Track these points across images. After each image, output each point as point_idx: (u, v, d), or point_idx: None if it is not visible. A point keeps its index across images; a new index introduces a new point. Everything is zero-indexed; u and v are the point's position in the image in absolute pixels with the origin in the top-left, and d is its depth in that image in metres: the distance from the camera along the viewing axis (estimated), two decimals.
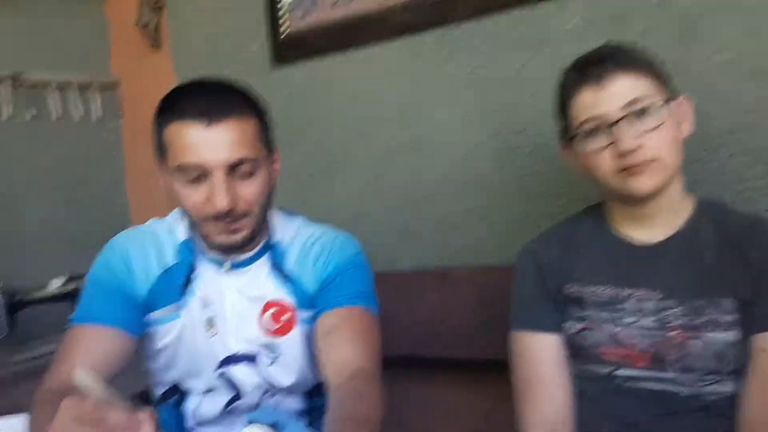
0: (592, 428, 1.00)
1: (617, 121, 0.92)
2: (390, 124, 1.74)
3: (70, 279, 1.99)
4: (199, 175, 0.93)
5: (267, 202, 1.02)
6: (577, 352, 1.02)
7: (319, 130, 1.85)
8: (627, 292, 0.98)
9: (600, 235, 1.05)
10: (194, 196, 0.95)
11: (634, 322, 0.97)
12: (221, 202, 0.92)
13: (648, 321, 0.96)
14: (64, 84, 2.23)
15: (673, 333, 0.94)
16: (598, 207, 1.09)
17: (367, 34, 1.73)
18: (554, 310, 1.05)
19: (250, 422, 0.60)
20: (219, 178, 0.92)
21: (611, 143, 0.93)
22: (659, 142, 0.92)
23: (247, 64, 1.96)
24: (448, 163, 1.66)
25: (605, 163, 0.95)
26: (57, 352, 1.01)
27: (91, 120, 2.32)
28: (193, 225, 1.02)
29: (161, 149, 0.98)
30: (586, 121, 0.96)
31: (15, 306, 1.86)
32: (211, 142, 0.91)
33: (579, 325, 1.01)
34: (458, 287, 1.51)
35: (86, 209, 2.32)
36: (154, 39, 2.22)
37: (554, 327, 1.04)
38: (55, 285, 1.97)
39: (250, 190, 0.96)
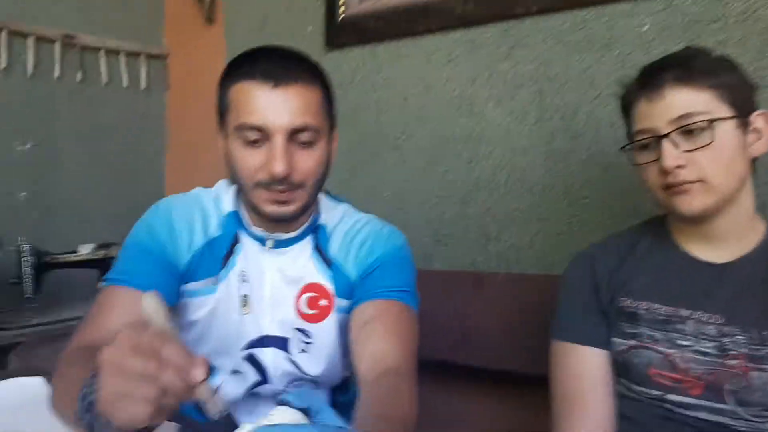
0: None
1: (663, 137, 0.87)
2: (440, 118, 1.69)
3: (100, 246, 1.98)
4: (259, 137, 0.91)
5: (321, 179, 0.98)
6: (624, 370, 0.94)
7: (365, 120, 1.81)
8: (686, 312, 0.91)
9: (662, 250, 0.98)
10: (251, 159, 0.92)
11: (691, 345, 0.89)
12: (279, 167, 0.89)
13: (706, 346, 0.88)
14: (114, 50, 2.24)
15: (734, 362, 0.86)
16: (661, 220, 1.02)
17: (426, 23, 1.68)
18: (603, 324, 0.98)
19: (281, 404, 0.55)
20: (279, 142, 0.89)
21: (658, 158, 0.88)
22: (708, 162, 0.86)
23: (299, 45, 1.92)
24: (496, 163, 1.60)
25: (652, 178, 0.91)
26: (89, 312, 0.97)
27: (138, 89, 2.32)
28: (242, 194, 0.99)
29: (224, 109, 0.96)
30: (639, 132, 0.92)
31: (43, 267, 1.86)
32: (275, 104, 0.89)
33: (629, 342, 0.94)
34: (494, 294, 1.45)
35: (123, 177, 2.32)
36: (209, 14, 2.22)
37: (602, 341, 0.97)
38: (85, 250, 1.96)
39: (307, 161, 0.93)
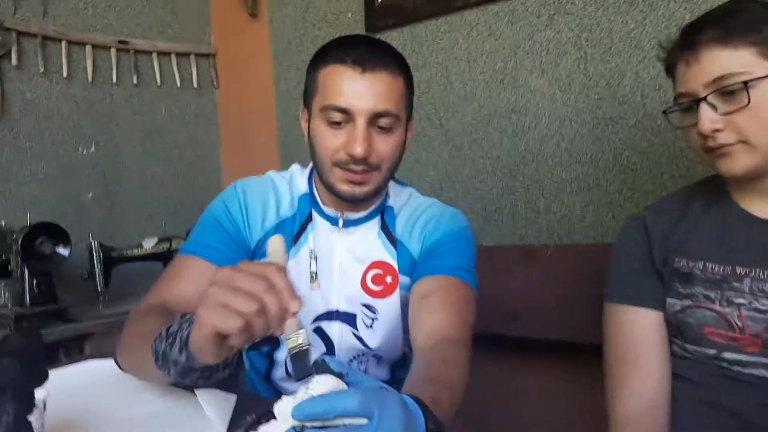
0: (691, 414, 0.90)
1: (700, 100, 0.84)
2: (483, 92, 1.68)
3: (162, 240, 2.07)
4: (342, 119, 0.95)
5: (395, 164, 1.02)
6: (679, 331, 0.92)
7: None
8: (743, 270, 0.88)
9: (718, 208, 0.95)
10: (332, 138, 0.96)
11: (748, 304, 0.86)
12: (359, 148, 0.93)
13: (764, 303, 0.85)
14: (165, 52, 2.32)
15: None
16: (717, 179, 0.98)
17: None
18: (658, 285, 0.96)
19: (319, 367, 0.57)
20: (361, 124, 0.94)
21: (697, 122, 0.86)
22: (747, 123, 0.82)
23: (341, 31, 1.96)
24: (542, 134, 1.58)
25: (694, 140, 0.89)
26: (162, 275, 1.04)
27: (190, 87, 2.41)
28: (319, 174, 1.03)
29: (311, 90, 1.01)
30: (679, 96, 0.89)
31: (111, 262, 1.96)
32: (361, 88, 0.94)
33: (684, 303, 0.92)
34: (544, 266, 1.43)
35: (181, 173, 2.42)
36: (252, 9, 2.27)
37: (657, 302, 0.95)
38: (149, 245, 2.05)
39: (385, 145, 0.97)
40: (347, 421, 0.51)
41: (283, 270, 0.65)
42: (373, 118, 0.95)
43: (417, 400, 0.62)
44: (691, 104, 0.88)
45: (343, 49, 0.96)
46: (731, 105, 0.83)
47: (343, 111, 0.94)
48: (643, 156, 1.42)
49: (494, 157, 1.67)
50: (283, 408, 0.53)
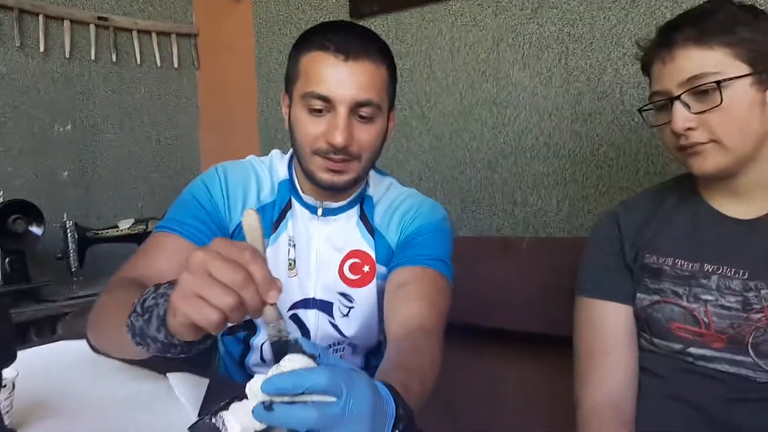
0: (657, 407, 0.93)
1: (674, 99, 0.86)
2: (465, 83, 1.69)
3: (138, 221, 2.05)
4: (323, 107, 0.94)
5: (376, 154, 1.02)
6: (647, 325, 0.94)
7: None
8: (711, 267, 0.90)
9: (688, 206, 0.97)
10: (313, 127, 0.95)
11: (715, 300, 0.88)
12: (339, 137, 0.92)
13: (730, 301, 0.87)
14: (145, 30, 2.28)
15: (758, 315, 0.85)
16: (688, 177, 1.00)
17: None
18: (628, 280, 0.97)
19: (293, 347, 0.57)
20: (342, 113, 0.93)
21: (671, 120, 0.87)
22: (719, 123, 0.84)
23: (325, 16, 1.94)
24: (522, 127, 1.59)
25: (668, 138, 0.91)
26: (137, 250, 1.01)
27: (171, 68, 2.37)
28: (299, 161, 1.02)
29: (292, 77, 1.00)
30: (654, 94, 0.91)
31: (86, 242, 1.94)
32: (343, 76, 0.93)
33: (653, 298, 0.93)
34: (522, 258, 1.45)
35: (159, 154, 2.39)
36: None
37: (626, 297, 0.97)
38: (125, 225, 2.03)
39: (366, 134, 0.96)
40: (316, 397, 0.52)
41: (260, 255, 0.61)
42: (355, 107, 0.94)
43: (388, 385, 0.63)
44: (665, 103, 0.89)
45: (327, 36, 0.95)
46: (704, 104, 0.85)
47: (325, 99, 0.93)
48: (620, 152, 1.44)
49: (474, 149, 1.68)
50: (254, 385, 0.53)
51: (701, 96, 0.85)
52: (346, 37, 0.94)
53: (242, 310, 0.59)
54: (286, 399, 0.52)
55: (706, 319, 0.88)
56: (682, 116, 0.85)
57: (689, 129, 0.86)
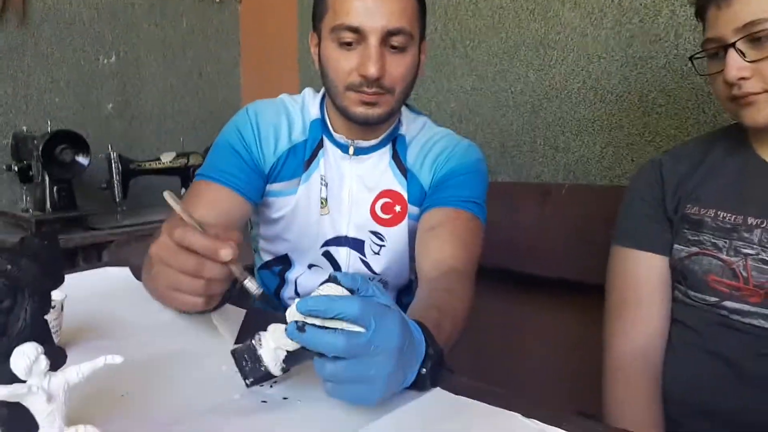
0: (686, 359, 0.92)
1: (728, 46, 0.81)
2: (511, 22, 1.63)
3: (180, 155, 2.08)
4: (354, 39, 0.93)
5: (409, 87, 1.00)
6: (682, 277, 0.93)
7: (432, 26, 1.77)
8: (755, 221, 0.87)
9: (737, 157, 0.93)
10: (344, 61, 0.94)
11: (756, 254, 0.86)
12: (372, 68, 0.91)
13: None
14: None
15: None
16: (737, 127, 0.96)
17: None
18: (667, 231, 0.96)
19: (330, 281, 0.59)
20: (373, 44, 0.91)
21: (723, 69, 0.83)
22: None
23: None
24: (569, 70, 1.54)
25: (719, 88, 0.87)
26: (183, 198, 1.04)
27: (213, 1, 2.35)
28: (331, 98, 1.02)
29: (321, 11, 0.98)
30: (707, 41, 0.86)
31: (129, 173, 1.99)
32: (373, 5, 0.91)
33: (691, 249, 0.92)
34: (560, 205, 1.43)
35: (201, 89, 2.40)
36: None
37: (664, 248, 0.95)
38: (167, 158, 2.07)
39: (399, 66, 0.95)
40: (345, 325, 0.54)
41: (190, 227, 0.66)
42: (386, 37, 0.92)
43: (421, 324, 0.64)
44: (718, 50, 0.85)
45: None
46: (761, 52, 0.80)
47: (355, 30, 0.91)
48: (670, 99, 1.38)
49: (518, 91, 1.64)
50: (292, 308, 0.56)
51: (758, 43, 0.80)
52: None
53: (216, 282, 0.66)
54: (317, 322, 0.55)
55: (745, 273, 0.86)
56: (736, 64, 0.81)
57: (743, 78, 0.81)
